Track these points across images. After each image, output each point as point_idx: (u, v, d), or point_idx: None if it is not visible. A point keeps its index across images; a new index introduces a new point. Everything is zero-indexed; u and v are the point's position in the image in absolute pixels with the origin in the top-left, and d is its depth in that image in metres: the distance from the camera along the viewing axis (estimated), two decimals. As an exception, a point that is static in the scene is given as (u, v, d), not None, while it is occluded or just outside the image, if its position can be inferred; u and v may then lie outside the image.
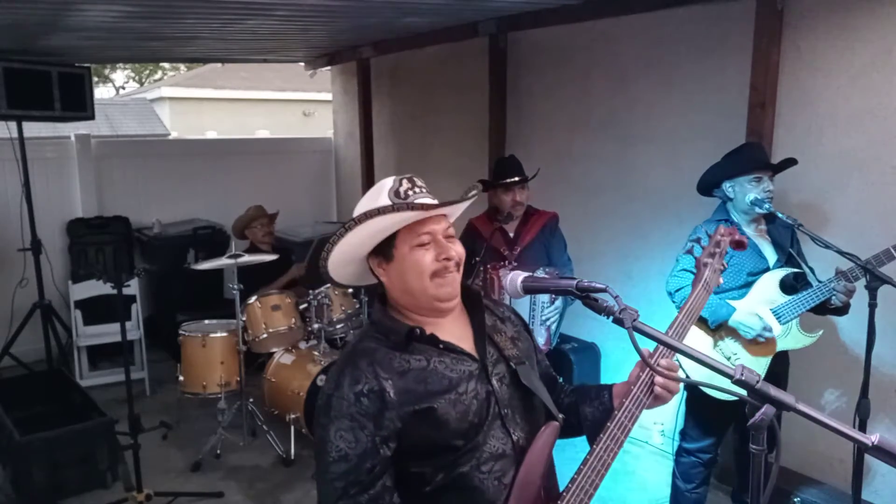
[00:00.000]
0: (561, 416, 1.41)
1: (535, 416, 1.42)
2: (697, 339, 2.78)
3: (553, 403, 1.43)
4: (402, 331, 1.35)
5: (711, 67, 3.53)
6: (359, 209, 1.38)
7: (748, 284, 2.75)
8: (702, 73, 3.58)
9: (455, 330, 1.42)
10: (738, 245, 1.79)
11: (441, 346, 1.36)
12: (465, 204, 1.42)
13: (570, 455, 1.67)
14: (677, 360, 1.44)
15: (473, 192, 1.40)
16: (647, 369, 1.35)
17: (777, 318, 2.69)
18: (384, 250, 1.38)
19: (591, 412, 1.49)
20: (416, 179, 1.40)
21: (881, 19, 2.89)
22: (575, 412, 1.52)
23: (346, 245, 1.36)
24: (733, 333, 2.73)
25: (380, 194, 1.37)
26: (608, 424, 1.33)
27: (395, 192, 1.36)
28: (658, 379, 1.35)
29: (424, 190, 1.39)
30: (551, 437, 1.37)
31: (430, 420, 1.28)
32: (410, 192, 1.36)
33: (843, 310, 2.65)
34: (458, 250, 1.38)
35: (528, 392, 1.40)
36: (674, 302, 2.84)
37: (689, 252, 1.77)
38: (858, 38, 2.96)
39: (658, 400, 1.38)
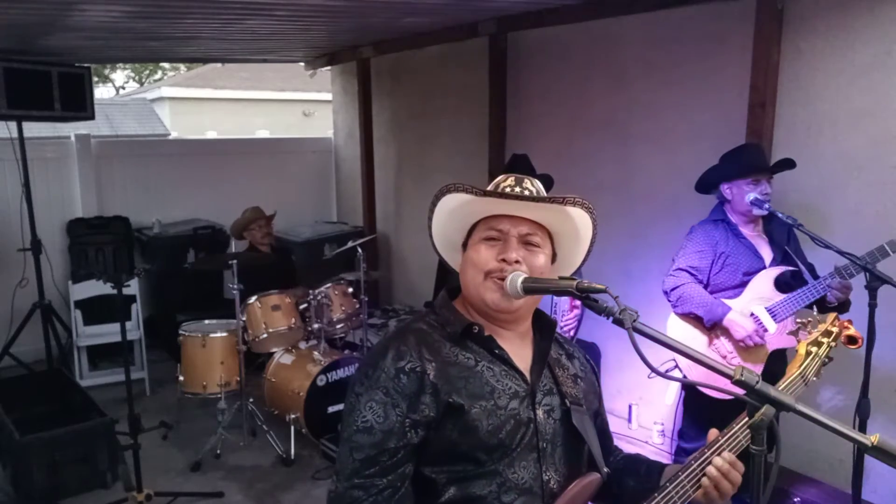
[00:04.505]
0: (606, 469, 1.31)
1: (578, 462, 1.32)
2: (693, 337, 2.79)
3: (601, 456, 1.33)
4: (461, 324, 1.29)
5: (711, 67, 3.52)
6: None
7: (744, 283, 2.76)
8: (702, 73, 3.58)
9: (515, 346, 1.33)
10: (851, 342, 1.65)
11: (496, 351, 1.28)
12: (551, 207, 1.27)
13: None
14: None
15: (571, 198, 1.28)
16: (708, 456, 1.23)
17: (772, 317, 2.69)
18: (467, 239, 1.35)
19: (635, 486, 1.37)
20: (526, 181, 1.31)
21: (881, 19, 2.89)
22: (618, 481, 1.40)
23: (437, 224, 1.35)
24: (728, 333, 2.74)
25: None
26: (667, 484, 1.23)
27: (496, 184, 1.32)
28: (710, 470, 1.22)
29: (529, 192, 1.30)
30: (589, 489, 1.27)
31: (459, 421, 1.20)
32: (507, 189, 1.29)
33: (842, 308, 2.65)
34: (530, 259, 1.28)
35: (576, 435, 1.30)
36: (669, 301, 2.84)
37: (794, 333, 1.67)
38: (858, 38, 2.96)
39: (706, 497, 1.23)
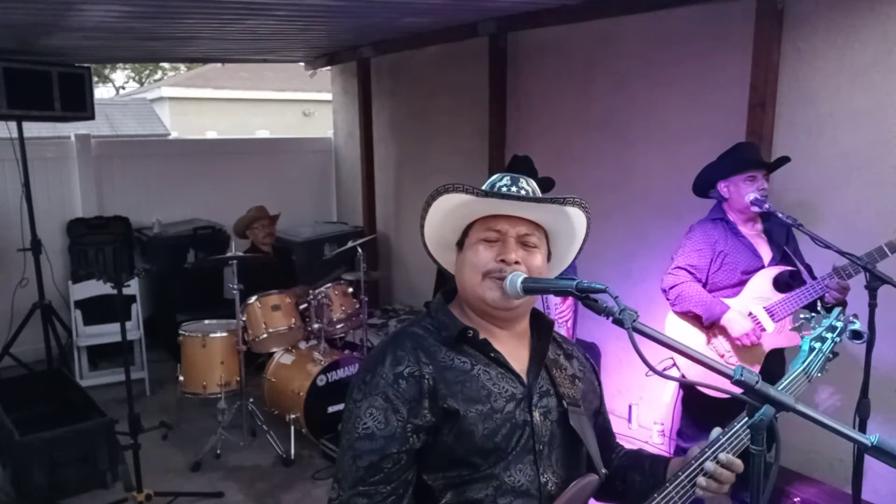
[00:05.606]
0: (604, 471, 1.31)
1: (576, 464, 1.31)
2: (691, 336, 2.79)
3: (599, 457, 1.32)
4: (456, 328, 1.28)
5: (711, 67, 3.52)
6: None
7: (743, 282, 2.76)
8: (702, 73, 3.58)
9: (511, 348, 1.32)
10: (856, 336, 1.62)
11: (492, 354, 1.27)
12: (550, 207, 1.27)
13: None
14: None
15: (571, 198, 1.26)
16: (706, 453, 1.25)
17: (771, 316, 2.70)
18: (462, 239, 1.33)
19: (641, 482, 1.37)
20: (522, 180, 1.31)
21: (881, 19, 2.89)
22: (623, 477, 1.41)
23: (431, 224, 1.32)
24: (726, 332, 2.74)
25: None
26: (667, 484, 1.24)
27: (491, 183, 1.31)
28: (699, 480, 1.24)
29: (525, 192, 1.29)
30: (586, 491, 1.26)
31: (455, 426, 1.19)
32: (504, 188, 1.29)
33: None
34: (529, 260, 1.27)
35: (574, 437, 1.29)
36: (668, 299, 2.84)
37: (797, 328, 1.66)
38: (858, 38, 2.96)
39: (704, 492, 1.25)
